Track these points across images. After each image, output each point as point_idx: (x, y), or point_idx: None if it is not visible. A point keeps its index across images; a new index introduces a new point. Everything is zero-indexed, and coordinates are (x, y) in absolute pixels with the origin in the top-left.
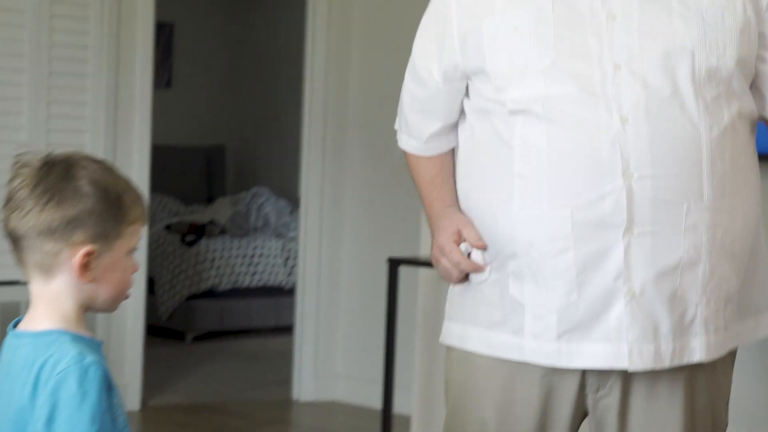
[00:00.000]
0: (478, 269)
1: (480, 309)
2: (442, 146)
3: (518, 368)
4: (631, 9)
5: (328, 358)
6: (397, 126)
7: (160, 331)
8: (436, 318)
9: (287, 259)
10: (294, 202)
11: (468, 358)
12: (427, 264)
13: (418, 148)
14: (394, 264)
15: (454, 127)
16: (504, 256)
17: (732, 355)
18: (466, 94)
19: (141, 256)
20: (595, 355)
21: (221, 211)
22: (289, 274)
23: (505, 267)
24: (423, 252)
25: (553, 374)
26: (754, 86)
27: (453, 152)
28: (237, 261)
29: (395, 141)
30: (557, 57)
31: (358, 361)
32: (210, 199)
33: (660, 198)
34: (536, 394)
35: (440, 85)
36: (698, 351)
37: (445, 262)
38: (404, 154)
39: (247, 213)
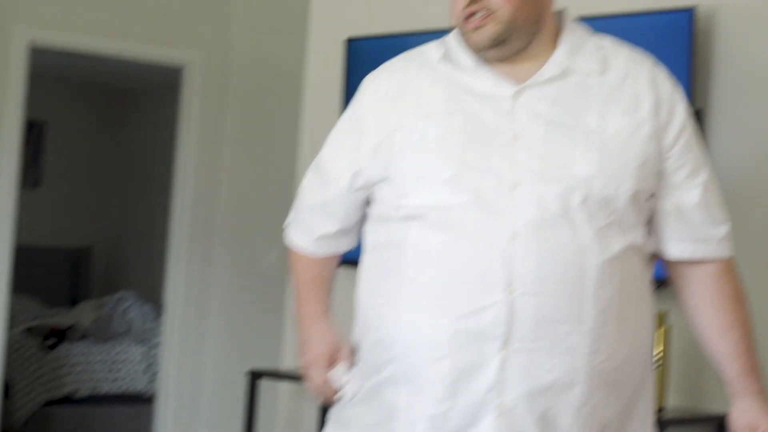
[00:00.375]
0: (339, 397)
1: (355, 411)
2: (330, 248)
3: None
4: (536, 132)
5: None
6: (288, 221)
7: None
8: (295, 430)
9: (149, 365)
10: (159, 307)
11: None
12: (289, 377)
13: (306, 246)
14: (254, 376)
15: (348, 232)
16: (384, 360)
17: None
18: (369, 200)
19: None
20: None
21: (84, 314)
22: (151, 381)
23: (382, 371)
24: (285, 365)
25: None
26: (650, 223)
27: (338, 258)
28: (98, 366)
29: (262, 251)
30: (459, 169)
31: None
32: (74, 302)
33: (541, 316)
34: None
35: (344, 191)
36: None
37: (312, 381)
38: (288, 251)
39: (111, 317)
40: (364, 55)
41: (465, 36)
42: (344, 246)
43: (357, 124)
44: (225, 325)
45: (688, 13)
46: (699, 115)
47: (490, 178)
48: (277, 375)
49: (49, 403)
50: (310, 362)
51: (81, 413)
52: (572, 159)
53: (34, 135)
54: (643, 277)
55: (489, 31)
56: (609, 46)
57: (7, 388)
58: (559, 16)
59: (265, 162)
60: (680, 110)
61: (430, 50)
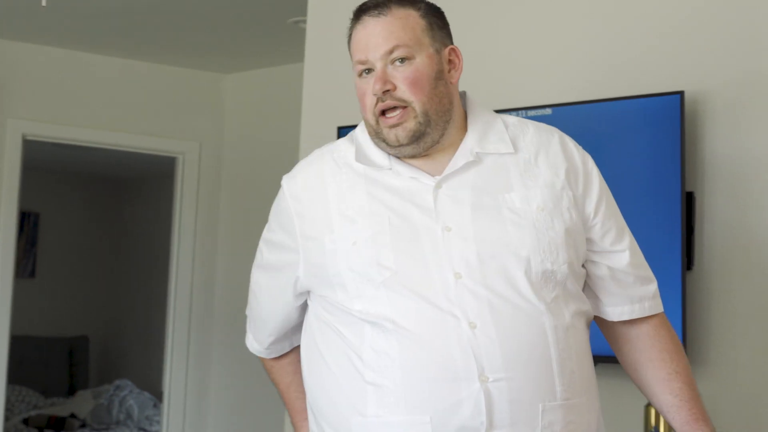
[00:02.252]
0: None
1: None
2: (284, 348)
3: None
4: (464, 220)
5: None
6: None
7: None
8: None
9: None
10: (157, 395)
11: None
12: None
13: (260, 351)
14: None
15: (296, 331)
16: None
17: None
18: (309, 298)
19: None
20: None
21: (82, 403)
22: None
23: None
24: None
25: None
26: (587, 287)
27: (296, 361)
28: None
29: None
30: (397, 270)
31: None
32: (71, 392)
33: (516, 399)
34: None
35: (282, 304)
36: None
37: None
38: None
39: (110, 406)
40: None
41: (380, 133)
42: (298, 341)
43: (284, 231)
44: (225, 414)
45: (677, 98)
46: (690, 198)
47: (430, 275)
48: None
49: None
50: None
51: None
52: (506, 239)
53: (28, 225)
54: (588, 343)
55: (407, 127)
56: (515, 123)
57: None
58: (463, 99)
59: None
60: (595, 177)
61: (342, 147)
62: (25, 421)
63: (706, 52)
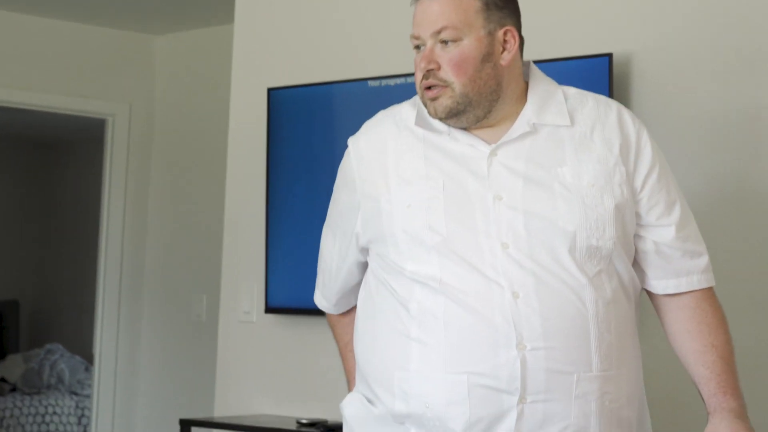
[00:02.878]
0: None
1: None
2: (349, 303)
3: None
4: (516, 191)
5: None
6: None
7: None
8: None
9: (81, 417)
10: (89, 359)
11: None
12: (219, 425)
13: (327, 307)
14: (185, 425)
15: (359, 287)
16: (399, 416)
17: None
18: (368, 256)
19: None
20: None
21: (13, 368)
22: None
23: (403, 422)
24: (218, 413)
25: None
26: (635, 262)
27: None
28: (28, 420)
29: (192, 301)
30: (448, 235)
31: None
32: (1, 356)
33: (552, 368)
34: None
35: (345, 256)
36: None
37: None
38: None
39: (41, 370)
40: (285, 105)
41: (425, 105)
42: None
43: (348, 189)
44: (156, 374)
45: (606, 60)
46: None
47: (479, 243)
48: (208, 424)
49: None
50: None
51: None
52: (554, 214)
53: None
54: (631, 317)
55: (443, 103)
56: (575, 95)
57: None
58: (525, 68)
59: (191, 211)
60: (647, 150)
61: (404, 111)
62: None
63: (634, 15)
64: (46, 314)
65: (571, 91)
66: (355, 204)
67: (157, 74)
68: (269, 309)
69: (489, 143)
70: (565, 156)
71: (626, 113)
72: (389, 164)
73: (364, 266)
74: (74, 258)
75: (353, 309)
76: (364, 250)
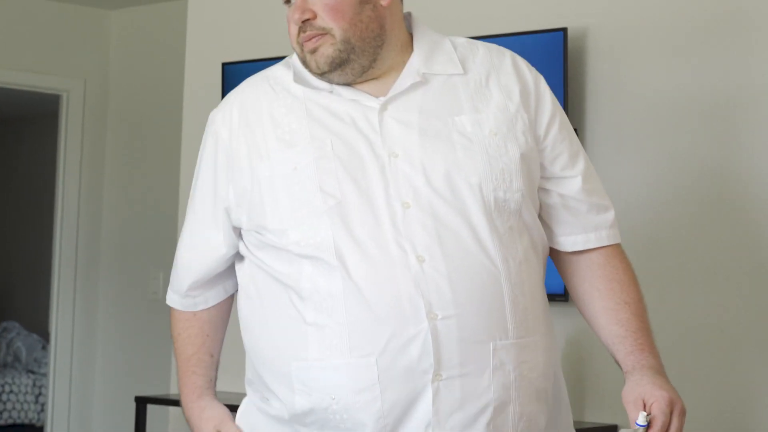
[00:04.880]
0: None
1: None
2: (208, 299)
3: None
4: (412, 145)
5: None
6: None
7: None
8: None
9: (39, 395)
10: (45, 337)
11: None
12: (177, 403)
13: (177, 301)
14: (141, 402)
15: (218, 280)
16: (301, 414)
17: None
18: (241, 239)
19: None
20: None
21: None
22: (41, 411)
23: (305, 423)
24: (173, 390)
25: None
26: (540, 218)
27: (217, 320)
28: None
29: (148, 278)
30: (342, 198)
31: None
32: None
33: (466, 338)
34: None
35: (206, 223)
36: None
37: None
38: (170, 319)
39: None
40: (240, 79)
41: (304, 61)
42: (218, 297)
43: (216, 167)
44: (113, 352)
45: (561, 34)
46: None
47: (377, 205)
48: (164, 401)
49: None
50: None
51: None
52: (456, 166)
53: None
54: (542, 279)
55: (325, 53)
56: (464, 44)
57: None
58: (407, 20)
59: (147, 187)
60: (547, 98)
61: (277, 72)
62: None
63: None
64: (2, 292)
65: (460, 40)
66: (224, 180)
67: (112, 49)
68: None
69: (377, 97)
70: (461, 105)
71: (521, 60)
72: (266, 127)
73: (229, 258)
74: (29, 235)
75: (212, 309)
76: (234, 233)
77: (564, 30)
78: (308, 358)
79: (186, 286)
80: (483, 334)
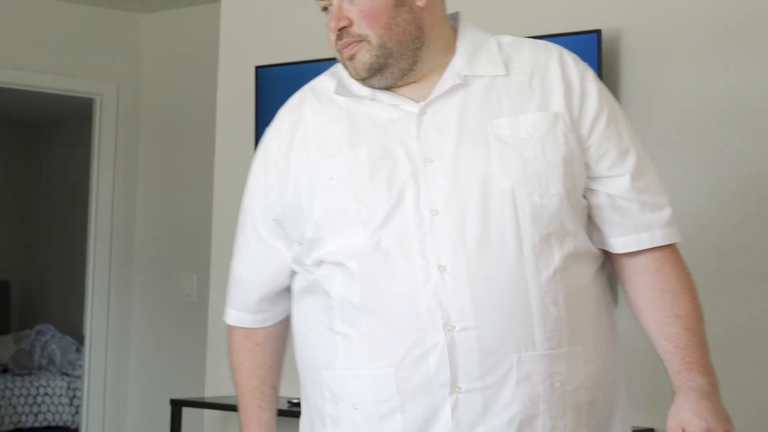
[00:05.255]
0: None
1: None
2: (274, 316)
3: None
4: (447, 150)
5: None
6: (226, 303)
7: None
8: None
9: (73, 398)
10: (79, 339)
11: None
12: (212, 406)
13: (243, 319)
14: (177, 405)
15: (283, 294)
16: (327, 420)
17: None
18: (292, 250)
19: None
20: None
21: (4, 349)
22: (75, 413)
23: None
24: (208, 393)
25: None
26: (591, 221)
27: (279, 350)
28: (20, 401)
29: (182, 280)
30: (374, 208)
31: None
32: None
33: (486, 349)
34: None
35: (266, 247)
36: None
37: None
38: (230, 347)
39: (32, 351)
40: (274, 83)
41: (346, 68)
42: (283, 312)
43: (264, 175)
44: (147, 355)
45: (595, 36)
46: None
47: (407, 214)
48: (199, 404)
49: None
50: None
51: None
52: (489, 173)
53: None
54: (595, 284)
55: (362, 59)
56: (510, 43)
57: None
58: (453, 20)
59: (180, 190)
60: (593, 95)
61: (323, 83)
62: None
63: None
64: (37, 295)
65: (506, 39)
66: (274, 193)
67: (144, 53)
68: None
69: (417, 101)
70: (501, 107)
71: (568, 55)
72: (310, 140)
73: (288, 270)
74: (64, 238)
75: (279, 325)
76: (288, 244)
77: (598, 32)
78: (335, 367)
79: (255, 301)
80: (506, 345)
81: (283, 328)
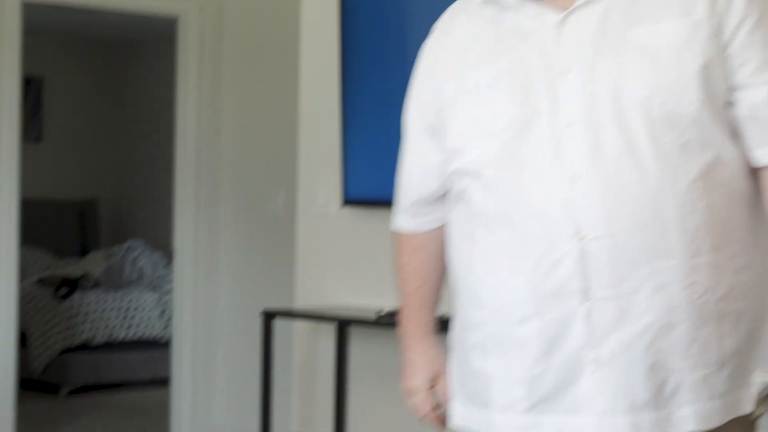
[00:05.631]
0: (441, 424)
1: (454, 382)
2: (434, 221)
3: None
4: (584, 60)
5: (205, 409)
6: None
7: (34, 384)
8: (311, 368)
9: (163, 311)
10: (169, 254)
11: None
12: (302, 316)
13: (405, 223)
14: (268, 317)
15: (443, 199)
16: (471, 325)
17: (743, 424)
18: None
19: (10, 309)
20: (566, 428)
21: (95, 264)
22: (165, 327)
23: (470, 339)
24: (298, 303)
25: None
26: (735, 132)
27: (440, 251)
28: (112, 314)
29: (268, 192)
30: (511, 117)
31: (236, 412)
32: (83, 253)
33: (619, 259)
34: None
35: (425, 147)
36: (688, 421)
37: (415, 410)
38: (396, 247)
39: (122, 266)
40: (358, 3)
41: None
42: (444, 218)
43: (419, 83)
44: (236, 268)
45: None
46: None
47: (541, 125)
48: (290, 314)
49: (66, 350)
50: (411, 391)
51: (98, 359)
52: (624, 81)
53: (32, 90)
54: (742, 194)
55: None
56: None
57: (23, 337)
58: None
59: (266, 106)
60: (738, 0)
61: None
62: (40, 281)
63: None
64: (125, 212)
65: None
66: (427, 101)
67: None
68: (347, 202)
69: (561, 11)
70: (641, 15)
71: None
72: (456, 50)
73: (444, 176)
74: (151, 155)
75: (435, 231)
76: (442, 150)
77: None
78: (475, 274)
79: (411, 202)
80: (639, 254)
81: (444, 234)
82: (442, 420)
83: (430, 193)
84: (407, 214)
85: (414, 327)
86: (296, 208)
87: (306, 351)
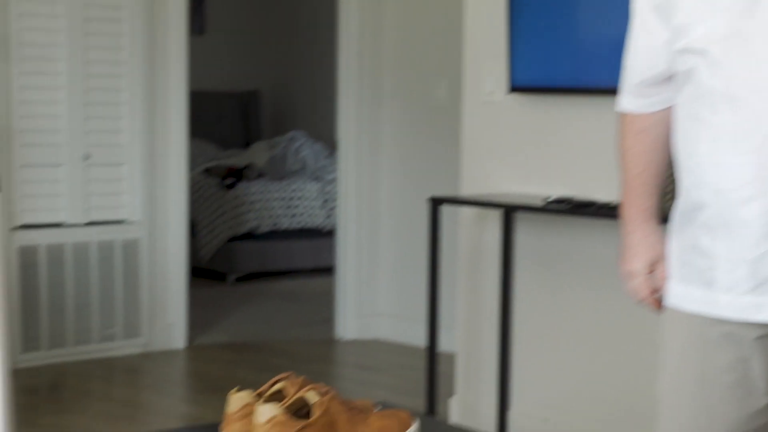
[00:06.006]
0: (658, 307)
1: (674, 263)
2: (660, 102)
3: (710, 323)
4: None
5: (370, 297)
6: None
7: (202, 272)
8: (477, 256)
9: (325, 201)
10: (330, 145)
11: (671, 314)
12: (468, 203)
13: (630, 104)
14: (435, 203)
15: (669, 81)
16: (695, 205)
17: None
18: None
19: (182, 199)
20: None
21: (258, 155)
22: (328, 216)
23: (695, 219)
24: (464, 191)
25: (744, 329)
26: None
27: (665, 134)
28: (276, 204)
29: (430, 85)
30: None
31: (400, 299)
32: (247, 144)
33: None
34: (732, 351)
35: (647, 21)
36: None
37: (633, 287)
38: (620, 130)
39: (284, 157)
40: None
41: None
42: (670, 99)
43: None
44: (398, 158)
45: None
46: None
47: None
48: (457, 201)
49: (233, 239)
50: (630, 274)
51: (263, 248)
52: None
53: None
54: None
55: None
56: None
57: (192, 227)
58: None
59: None
60: None
61: None
62: (206, 171)
63: None
64: (287, 103)
65: None
66: None
67: None
68: (513, 88)
69: None
70: None
71: None
72: None
73: (668, 56)
74: (312, 47)
75: (661, 113)
76: (668, 30)
77: None
78: (700, 153)
79: (637, 82)
80: None
81: (670, 116)
82: (659, 303)
83: (656, 73)
84: (632, 95)
85: (635, 212)
86: (462, 95)
87: (472, 238)
